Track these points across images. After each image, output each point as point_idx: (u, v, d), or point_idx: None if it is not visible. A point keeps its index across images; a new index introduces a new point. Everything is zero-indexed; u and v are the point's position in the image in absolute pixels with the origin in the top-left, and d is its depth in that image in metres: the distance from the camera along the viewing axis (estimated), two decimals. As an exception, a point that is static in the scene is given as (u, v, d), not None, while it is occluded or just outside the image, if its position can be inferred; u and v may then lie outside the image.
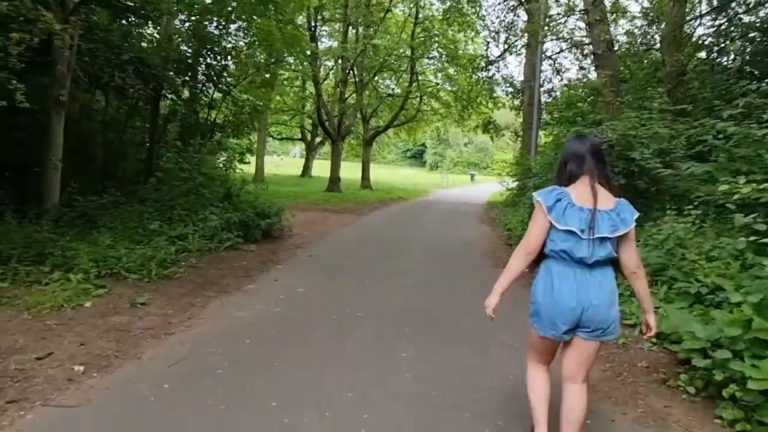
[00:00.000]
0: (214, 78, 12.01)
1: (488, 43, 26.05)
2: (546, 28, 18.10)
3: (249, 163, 12.64)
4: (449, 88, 30.25)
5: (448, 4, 24.88)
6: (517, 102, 25.81)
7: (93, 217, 7.49)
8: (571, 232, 2.61)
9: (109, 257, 6.20)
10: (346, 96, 24.05)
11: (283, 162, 58.82)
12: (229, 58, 12.48)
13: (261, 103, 14.71)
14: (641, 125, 7.88)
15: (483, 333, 4.74)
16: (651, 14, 14.79)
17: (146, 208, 8.07)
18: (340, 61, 24.63)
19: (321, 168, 35.96)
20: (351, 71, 24.59)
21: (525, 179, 13.95)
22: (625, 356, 4.47)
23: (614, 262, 2.72)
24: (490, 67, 25.35)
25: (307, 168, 38.27)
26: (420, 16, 26.09)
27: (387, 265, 7.95)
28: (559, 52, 23.01)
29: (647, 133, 7.60)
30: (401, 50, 26.11)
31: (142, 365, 3.85)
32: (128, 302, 5.24)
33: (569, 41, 22.88)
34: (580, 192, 2.67)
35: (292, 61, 31.14)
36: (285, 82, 37.02)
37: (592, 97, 10.38)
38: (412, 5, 26.17)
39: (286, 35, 12.57)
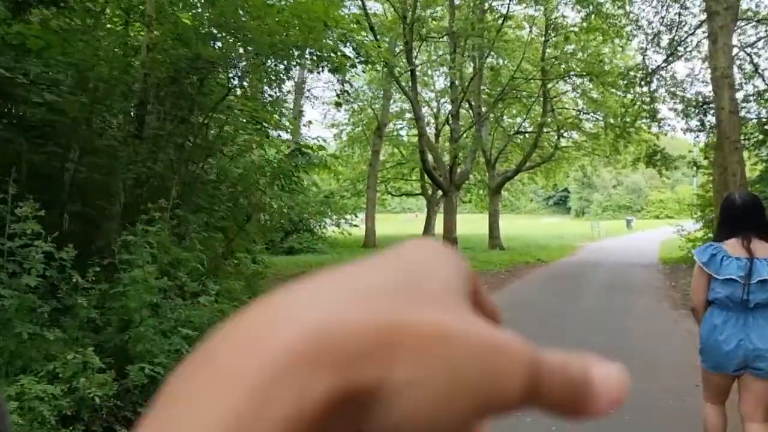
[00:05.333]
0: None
1: (645, 50, 19.93)
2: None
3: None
4: (596, 117, 24.17)
5: (587, 9, 19.30)
6: (693, 122, 19.18)
7: None
8: (729, 281, 2.79)
9: None
10: (460, 134, 18.97)
11: (418, 219, 54.63)
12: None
13: (312, 148, 10.23)
14: None
15: None
16: None
17: None
18: (448, 91, 19.76)
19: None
20: (464, 102, 19.57)
21: None
22: None
23: None
24: (650, 79, 19.12)
25: (428, 226, 33.39)
26: (551, 33, 20.70)
27: None
28: (754, 42, 16.33)
29: None
30: (529, 72, 20.74)
31: None
32: None
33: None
34: (734, 246, 2.86)
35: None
36: (397, 133, 33.34)
37: None
38: (539, 15, 20.89)
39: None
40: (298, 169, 9.45)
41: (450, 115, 19.22)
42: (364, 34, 12.74)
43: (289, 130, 10.70)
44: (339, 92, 12.73)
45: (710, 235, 15.63)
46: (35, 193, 4.59)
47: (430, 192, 33.56)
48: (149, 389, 3.72)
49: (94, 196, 6.27)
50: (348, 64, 11.23)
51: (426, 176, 32.01)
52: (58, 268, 3.75)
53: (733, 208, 2.93)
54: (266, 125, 9.47)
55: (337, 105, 14.15)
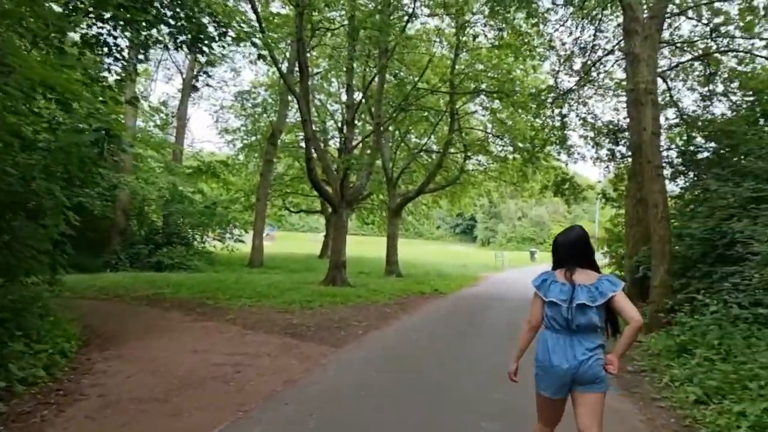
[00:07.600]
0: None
1: (557, 72, 18.76)
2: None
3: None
4: (504, 142, 22.85)
5: (499, 28, 17.83)
6: (603, 152, 18.07)
7: None
8: (554, 303, 3.12)
9: None
10: (355, 144, 16.74)
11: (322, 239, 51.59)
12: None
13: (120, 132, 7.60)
14: None
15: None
16: None
17: None
18: (343, 94, 17.57)
19: (355, 245, 26.79)
20: (367, 114, 17.44)
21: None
22: None
23: (603, 329, 3.18)
24: (561, 101, 17.89)
25: (326, 246, 30.94)
26: (462, 48, 19.10)
27: None
28: (674, 67, 15.34)
29: None
30: (435, 85, 19.01)
31: None
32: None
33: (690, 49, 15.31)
34: (560, 274, 3.21)
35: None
36: (298, 145, 30.76)
37: None
38: (449, 30, 19.31)
39: None
40: (103, 156, 6.77)
41: (345, 122, 16.98)
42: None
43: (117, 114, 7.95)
44: (198, 73, 10.23)
45: (617, 272, 14.34)
46: None
47: (330, 210, 31.22)
48: None
49: None
50: (210, 36, 8.83)
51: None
52: None
53: (557, 243, 3.32)
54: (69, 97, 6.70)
55: (194, 89, 11.54)
